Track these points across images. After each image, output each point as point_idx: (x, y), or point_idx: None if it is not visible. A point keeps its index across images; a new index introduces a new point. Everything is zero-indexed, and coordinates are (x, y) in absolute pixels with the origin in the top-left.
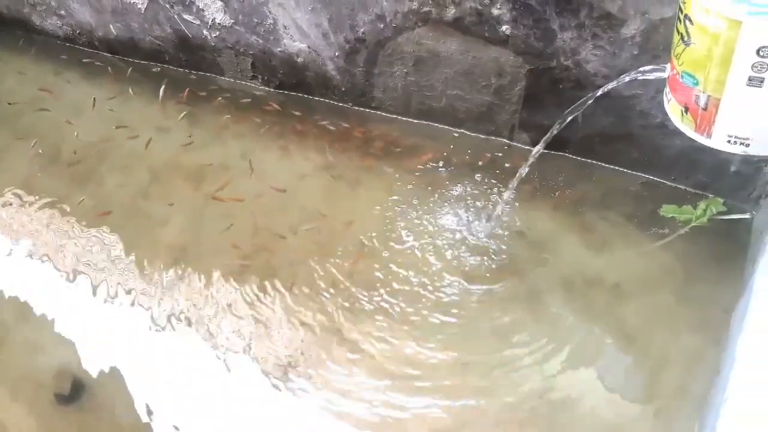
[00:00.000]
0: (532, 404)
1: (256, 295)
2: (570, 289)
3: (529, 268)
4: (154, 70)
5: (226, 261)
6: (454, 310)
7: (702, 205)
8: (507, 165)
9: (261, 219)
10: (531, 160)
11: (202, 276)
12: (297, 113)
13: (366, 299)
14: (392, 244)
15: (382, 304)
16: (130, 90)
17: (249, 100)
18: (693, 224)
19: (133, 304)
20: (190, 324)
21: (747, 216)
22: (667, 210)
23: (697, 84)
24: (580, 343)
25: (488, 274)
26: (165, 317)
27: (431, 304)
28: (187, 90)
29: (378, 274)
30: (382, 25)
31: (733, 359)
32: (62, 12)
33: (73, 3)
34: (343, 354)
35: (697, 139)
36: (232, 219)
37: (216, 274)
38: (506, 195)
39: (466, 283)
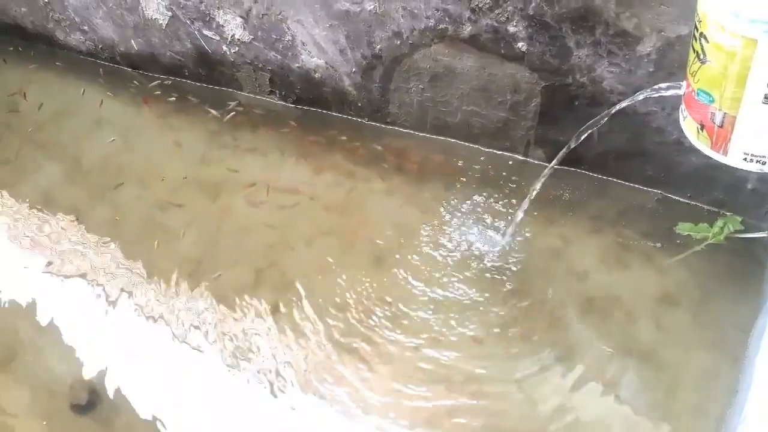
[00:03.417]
0: (545, 423)
1: (271, 309)
2: (585, 306)
3: (544, 285)
4: (173, 84)
5: (240, 274)
6: (467, 328)
7: (719, 223)
8: (522, 181)
9: (276, 232)
10: (545, 175)
11: (217, 289)
12: (313, 128)
13: (379, 313)
14: (406, 259)
15: (395, 318)
16: (149, 104)
17: (266, 114)
18: (709, 242)
19: (149, 315)
20: (205, 336)
21: (764, 234)
22: (684, 228)
23: (713, 101)
24: (594, 362)
25: (501, 291)
26: (180, 329)
27: (443, 320)
28: (204, 104)
29: (391, 288)
30: (398, 42)
31: (750, 379)
32: (85, 27)
33: (96, 19)
34: (355, 370)
35: (713, 157)
36: (247, 232)
37: (231, 287)
38: (521, 211)
39: (479, 301)
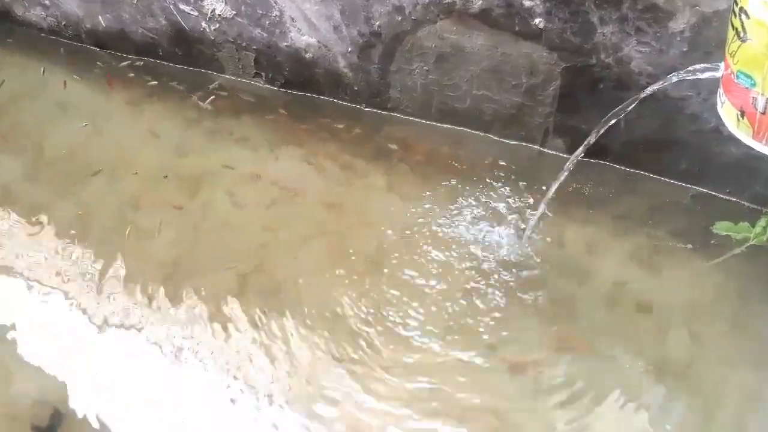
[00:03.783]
0: None
1: (257, 317)
2: (611, 315)
3: (565, 292)
4: (145, 65)
5: (224, 277)
6: (478, 338)
7: (762, 222)
8: (539, 175)
9: (264, 230)
10: (567, 169)
11: (196, 295)
12: (305, 115)
13: (379, 323)
14: (409, 261)
15: (397, 328)
16: (118, 88)
17: (251, 99)
18: (750, 243)
19: (118, 326)
20: (180, 349)
21: None
22: (722, 227)
23: (754, 85)
24: (622, 379)
25: (517, 301)
26: (153, 341)
27: (454, 329)
28: (182, 88)
29: (393, 293)
30: (400, 18)
31: None
32: (47, 2)
33: None
34: (352, 386)
35: (754, 147)
36: (230, 232)
37: (212, 293)
38: (539, 209)
39: (491, 308)
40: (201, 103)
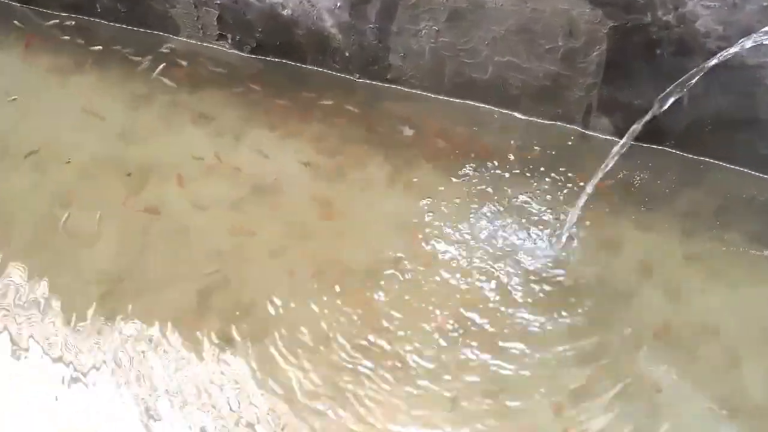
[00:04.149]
0: None
1: (219, 345)
2: (668, 341)
3: (611, 309)
4: (78, 25)
5: (178, 296)
6: (506, 371)
7: None
8: (580, 162)
9: (229, 235)
10: (615, 155)
11: (144, 317)
12: (282, 88)
13: (373, 353)
14: (413, 276)
15: (394, 364)
16: (41, 53)
17: (215, 69)
18: None
19: (45, 356)
20: (124, 386)
21: None
22: None
23: None
24: (683, 421)
25: (553, 317)
26: (91, 376)
27: (463, 368)
28: (126, 54)
29: (394, 314)
30: None
31: None
32: None
33: None
34: (337, 429)
35: None
36: (187, 235)
37: (164, 315)
38: (579, 205)
39: (520, 330)
40: (149, 73)
